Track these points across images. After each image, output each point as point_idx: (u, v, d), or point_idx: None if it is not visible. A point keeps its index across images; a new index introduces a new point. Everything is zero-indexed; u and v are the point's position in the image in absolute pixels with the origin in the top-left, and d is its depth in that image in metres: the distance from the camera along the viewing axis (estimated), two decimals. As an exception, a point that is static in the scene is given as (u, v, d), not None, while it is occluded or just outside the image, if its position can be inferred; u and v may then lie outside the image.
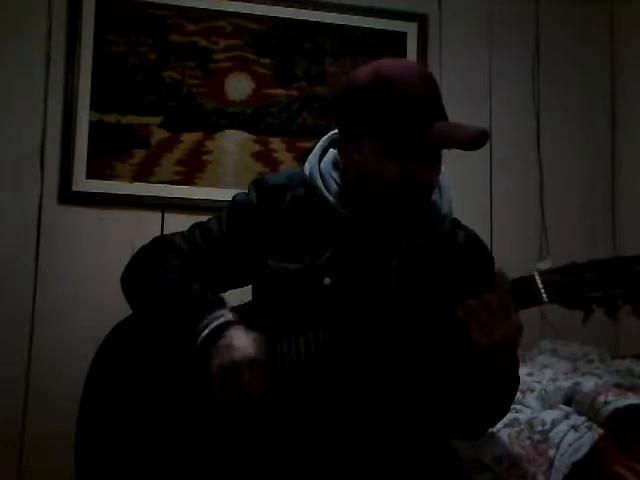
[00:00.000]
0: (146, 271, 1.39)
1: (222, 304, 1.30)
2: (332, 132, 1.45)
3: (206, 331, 1.25)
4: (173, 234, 1.45)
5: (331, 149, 1.43)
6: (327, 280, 1.31)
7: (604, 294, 1.14)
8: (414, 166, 1.25)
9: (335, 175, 1.38)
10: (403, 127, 1.23)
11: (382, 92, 1.25)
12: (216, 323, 1.26)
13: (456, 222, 1.43)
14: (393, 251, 1.33)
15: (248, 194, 1.42)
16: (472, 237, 1.43)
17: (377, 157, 1.26)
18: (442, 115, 1.27)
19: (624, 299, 1.14)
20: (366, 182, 1.30)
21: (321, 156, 1.42)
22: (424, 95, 1.25)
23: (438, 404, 1.33)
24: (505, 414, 1.36)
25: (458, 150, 1.26)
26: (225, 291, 1.47)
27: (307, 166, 1.41)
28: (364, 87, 1.27)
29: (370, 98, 1.26)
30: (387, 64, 1.30)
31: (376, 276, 1.32)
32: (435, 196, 1.37)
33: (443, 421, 1.35)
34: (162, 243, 1.43)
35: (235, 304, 1.42)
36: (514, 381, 1.32)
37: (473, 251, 1.40)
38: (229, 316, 1.27)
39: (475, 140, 1.22)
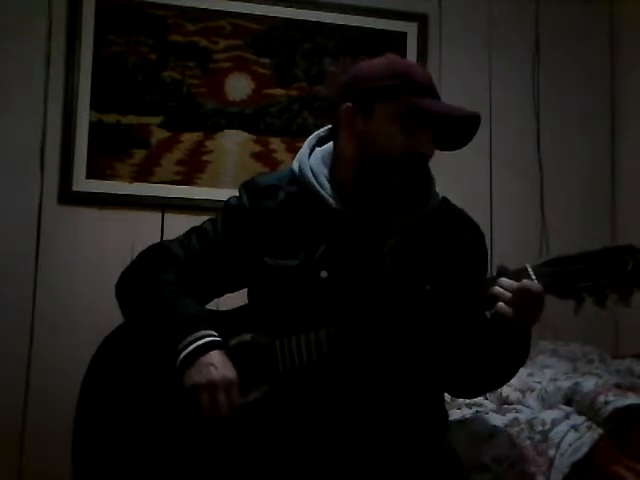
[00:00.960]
0: (140, 283, 1.40)
1: (208, 324, 1.31)
2: (318, 131, 1.49)
3: (188, 349, 1.26)
4: (170, 241, 1.46)
5: (317, 147, 1.46)
6: (324, 273, 1.33)
7: (594, 284, 1.19)
8: (415, 135, 1.32)
9: (325, 171, 1.41)
10: (412, 93, 1.32)
11: (395, 67, 1.36)
12: (198, 343, 1.27)
13: (446, 201, 1.47)
14: (385, 233, 1.36)
15: (240, 197, 1.44)
16: (463, 215, 1.47)
17: (384, 123, 1.33)
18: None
19: (611, 288, 1.18)
20: (366, 154, 1.34)
21: (309, 154, 1.44)
22: (429, 78, 1.38)
23: (446, 378, 1.39)
24: (513, 376, 1.40)
25: (455, 151, 1.37)
26: (222, 295, 1.48)
27: (296, 164, 1.44)
28: (378, 63, 1.38)
29: (384, 70, 1.36)
30: (394, 55, 1.43)
31: (370, 261, 1.35)
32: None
33: (448, 382, 1.41)
34: (159, 252, 1.44)
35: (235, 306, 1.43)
36: (526, 349, 1.33)
37: (465, 229, 1.44)
38: (212, 337, 1.29)
39: (472, 118, 1.33)
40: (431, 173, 1.43)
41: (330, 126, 1.46)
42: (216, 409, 1.25)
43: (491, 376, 1.37)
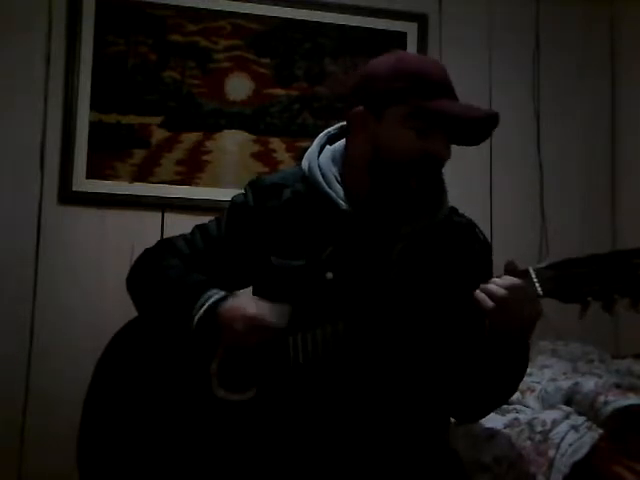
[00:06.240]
0: (148, 271, 1.41)
1: (216, 286, 1.34)
2: (328, 129, 1.47)
3: (209, 302, 1.30)
4: (176, 237, 1.47)
5: (328, 146, 1.45)
6: (329, 274, 1.33)
7: (601, 287, 1.15)
8: (429, 138, 1.30)
9: (334, 171, 1.40)
10: (424, 96, 1.29)
11: (406, 66, 1.32)
12: (213, 299, 1.30)
13: (454, 210, 1.46)
14: (393, 238, 1.35)
15: (245, 195, 1.44)
16: (470, 224, 1.46)
17: (397, 126, 1.31)
18: (455, 98, 1.34)
19: (621, 293, 1.14)
20: (379, 158, 1.32)
21: (319, 153, 1.43)
22: (442, 75, 1.34)
23: (450, 388, 1.36)
24: (512, 394, 1.39)
25: (463, 146, 1.35)
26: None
27: (305, 162, 1.43)
28: (388, 63, 1.34)
29: (395, 71, 1.32)
30: (404, 52, 1.40)
31: (377, 265, 1.34)
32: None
33: (452, 402, 1.38)
34: (164, 246, 1.45)
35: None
36: (523, 363, 1.33)
37: (472, 237, 1.43)
38: (222, 293, 1.32)
39: (488, 118, 1.30)
40: (444, 182, 1.41)
41: (341, 124, 1.45)
42: (262, 333, 1.27)
43: (492, 392, 1.35)
